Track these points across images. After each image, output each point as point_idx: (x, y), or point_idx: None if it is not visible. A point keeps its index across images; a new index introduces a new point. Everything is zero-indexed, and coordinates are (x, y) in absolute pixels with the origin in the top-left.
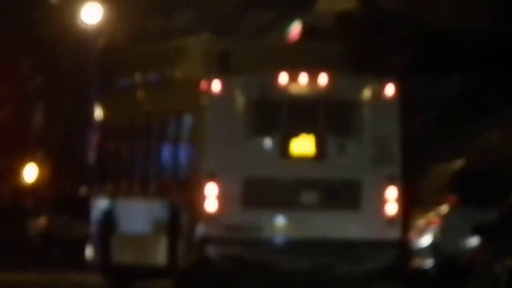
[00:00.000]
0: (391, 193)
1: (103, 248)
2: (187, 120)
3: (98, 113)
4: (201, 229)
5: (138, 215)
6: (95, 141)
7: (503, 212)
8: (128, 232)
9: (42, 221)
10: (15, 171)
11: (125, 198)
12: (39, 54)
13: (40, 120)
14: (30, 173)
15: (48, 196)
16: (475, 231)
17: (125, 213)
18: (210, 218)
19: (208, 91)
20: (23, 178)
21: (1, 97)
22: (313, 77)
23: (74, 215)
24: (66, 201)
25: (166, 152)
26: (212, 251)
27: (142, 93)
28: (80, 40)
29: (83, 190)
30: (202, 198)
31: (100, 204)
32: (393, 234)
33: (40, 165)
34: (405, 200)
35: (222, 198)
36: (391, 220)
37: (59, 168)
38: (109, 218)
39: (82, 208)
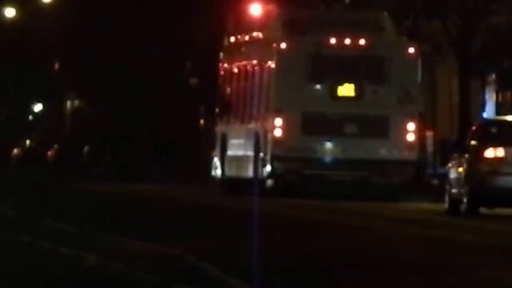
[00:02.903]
0: (411, 125)
1: (221, 164)
2: (266, 70)
3: (220, 63)
4: (271, 150)
5: (239, 140)
6: (218, 85)
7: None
8: (232, 153)
9: None
10: None
11: (233, 127)
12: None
13: None
14: None
15: None
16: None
17: (232, 138)
18: (277, 141)
19: (277, 48)
20: None
21: None
22: (355, 38)
23: None
24: None
25: (254, 93)
26: (279, 166)
27: (243, 49)
28: None
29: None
30: (272, 127)
31: (219, 131)
32: (412, 155)
33: None
34: (421, 131)
35: (286, 127)
36: (410, 145)
37: None
38: (223, 142)
39: None
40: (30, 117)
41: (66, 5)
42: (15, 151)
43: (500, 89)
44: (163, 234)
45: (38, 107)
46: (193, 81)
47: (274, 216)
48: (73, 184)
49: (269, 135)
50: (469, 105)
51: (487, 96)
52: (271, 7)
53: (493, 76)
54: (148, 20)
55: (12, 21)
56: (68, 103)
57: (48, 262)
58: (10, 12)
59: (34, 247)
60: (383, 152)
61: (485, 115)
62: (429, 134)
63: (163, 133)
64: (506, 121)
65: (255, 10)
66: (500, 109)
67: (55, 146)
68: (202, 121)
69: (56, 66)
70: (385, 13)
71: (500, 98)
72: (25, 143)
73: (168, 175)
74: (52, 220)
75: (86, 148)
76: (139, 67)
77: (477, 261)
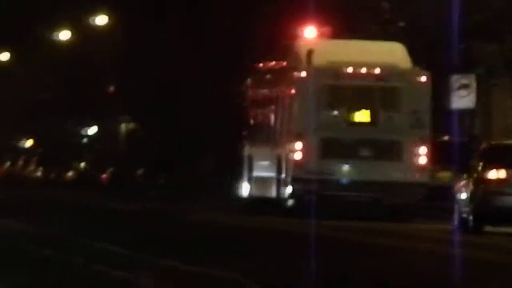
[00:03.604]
0: (423, 149)
1: (247, 185)
2: (287, 97)
3: (247, 88)
4: (291, 172)
5: (263, 162)
6: (245, 110)
7: None
8: (257, 174)
9: None
10: None
11: (258, 150)
12: None
13: None
14: None
15: None
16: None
17: (257, 160)
18: (297, 164)
19: (298, 78)
20: None
21: None
22: (370, 68)
23: None
24: None
25: (277, 118)
26: (298, 187)
27: (268, 76)
28: None
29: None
30: (292, 150)
31: (245, 154)
32: (424, 178)
33: None
34: (431, 155)
35: (305, 151)
36: (422, 168)
37: None
38: (250, 164)
39: None
40: (85, 139)
41: (121, 28)
42: (69, 173)
43: None
44: (208, 255)
45: (92, 130)
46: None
47: (307, 235)
48: (126, 206)
49: (290, 158)
50: None
51: None
52: (325, 30)
53: None
54: (199, 43)
55: (67, 43)
56: (123, 126)
57: (99, 284)
58: (64, 35)
59: (85, 269)
60: (396, 174)
61: None
62: None
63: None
64: (509, 144)
65: (310, 32)
66: None
67: (109, 168)
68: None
69: (111, 89)
70: (401, 44)
71: None
72: (79, 165)
73: (212, 197)
74: (104, 242)
75: (140, 170)
76: (192, 90)
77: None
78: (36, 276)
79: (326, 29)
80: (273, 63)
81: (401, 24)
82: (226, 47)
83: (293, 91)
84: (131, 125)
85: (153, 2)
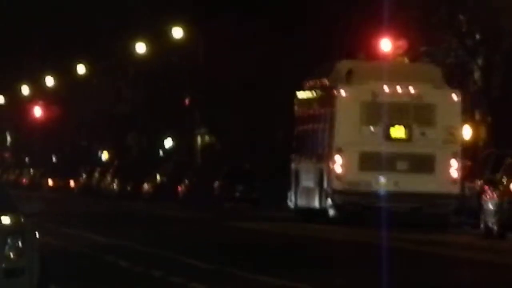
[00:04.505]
0: (454, 163)
1: (295, 196)
2: (329, 114)
3: (295, 106)
4: (333, 184)
5: (308, 174)
6: (294, 125)
7: None
8: (303, 186)
9: None
10: None
11: (304, 163)
12: None
13: None
14: None
15: None
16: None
17: (303, 173)
18: (338, 177)
19: (338, 96)
20: None
21: None
22: (405, 87)
23: None
24: None
25: (320, 135)
26: (339, 198)
27: (312, 94)
28: None
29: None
30: (333, 164)
31: (293, 167)
32: (456, 189)
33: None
34: (463, 168)
35: (345, 164)
36: (454, 181)
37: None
38: (297, 176)
39: None
40: (161, 152)
41: (197, 40)
42: (146, 186)
43: None
44: (279, 267)
45: (168, 142)
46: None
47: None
48: (204, 219)
49: (331, 171)
50: None
51: None
52: (401, 43)
53: None
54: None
55: (143, 55)
56: (199, 138)
57: None
58: (140, 47)
59: (164, 282)
60: (430, 186)
61: None
62: None
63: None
64: None
65: (385, 45)
66: None
67: (186, 181)
68: None
69: (187, 101)
70: (435, 66)
71: None
72: (156, 178)
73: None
74: (180, 254)
75: (216, 183)
76: (269, 101)
77: None
78: None
79: (402, 42)
80: (317, 81)
81: (478, 36)
82: (304, 59)
83: (334, 109)
84: (207, 138)
85: (228, 15)
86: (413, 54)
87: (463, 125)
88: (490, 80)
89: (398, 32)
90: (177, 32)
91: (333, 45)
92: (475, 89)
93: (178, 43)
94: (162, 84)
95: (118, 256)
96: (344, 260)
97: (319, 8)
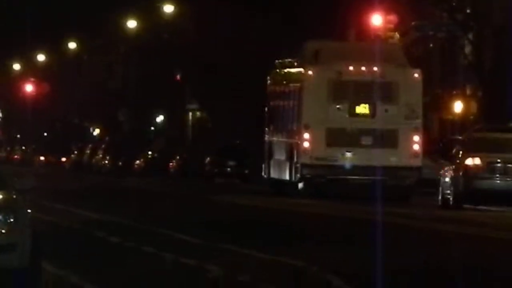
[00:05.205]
0: (416, 137)
1: (268, 168)
2: (297, 92)
3: (268, 84)
4: (301, 158)
5: (280, 149)
6: (266, 103)
7: None
8: (275, 159)
9: None
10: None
11: (275, 137)
12: None
13: None
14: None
15: None
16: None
17: (275, 147)
18: (306, 152)
19: (305, 75)
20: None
21: None
22: (369, 66)
23: None
24: None
25: (289, 112)
26: (307, 171)
27: (282, 73)
28: None
29: None
30: (301, 140)
31: (266, 140)
32: (417, 162)
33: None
34: (423, 142)
35: (313, 140)
36: (415, 154)
37: None
38: (270, 150)
39: None
40: (152, 128)
41: (188, 16)
42: (138, 162)
43: None
44: (270, 243)
45: (160, 118)
46: None
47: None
48: (195, 195)
49: (299, 146)
50: None
51: None
52: (392, 18)
53: None
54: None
55: (134, 32)
56: (190, 114)
57: (170, 272)
58: (132, 23)
59: (156, 257)
60: (393, 159)
61: None
62: None
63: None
64: (485, 134)
65: (376, 20)
66: None
67: (177, 157)
68: None
69: (178, 77)
70: (398, 45)
71: None
72: (147, 154)
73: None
74: (173, 230)
75: (208, 158)
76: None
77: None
78: (107, 264)
79: (393, 17)
80: (287, 60)
81: (469, 11)
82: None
83: (302, 86)
84: (198, 114)
85: None
86: (403, 28)
87: (423, 101)
88: (481, 55)
89: (388, 6)
90: (168, 8)
91: (326, 21)
92: (466, 63)
93: (169, 19)
94: (153, 60)
95: (110, 232)
96: (325, 235)
97: None
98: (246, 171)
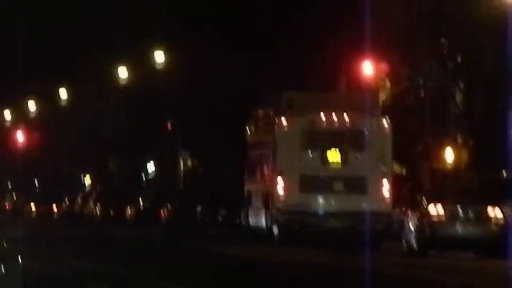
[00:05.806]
0: (386, 183)
1: (246, 217)
2: (270, 141)
3: (247, 133)
4: (276, 205)
5: (257, 196)
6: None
7: None
8: (253, 207)
9: None
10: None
11: (253, 185)
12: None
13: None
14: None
15: None
16: None
17: (253, 194)
18: (280, 198)
19: (280, 124)
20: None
21: None
22: (340, 115)
23: None
24: None
25: (265, 160)
26: (282, 217)
27: (259, 122)
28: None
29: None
30: (276, 186)
31: (246, 189)
32: (387, 208)
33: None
34: (393, 188)
35: (287, 186)
36: (385, 200)
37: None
38: (249, 198)
39: None
40: (143, 176)
41: (179, 66)
42: (129, 211)
43: None
44: None
45: (151, 167)
46: None
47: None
48: (186, 244)
49: (274, 193)
50: None
51: None
52: (383, 66)
53: None
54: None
55: (125, 81)
56: (181, 163)
57: None
58: (122, 73)
59: None
60: (364, 205)
61: None
62: None
63: None
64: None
65: (367, 69)
66: None
67: (168, 205)
68: None
69: (169, 125)
70: (368, 94)
71: None
72: (139, 202)
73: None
74: (162, 280)
75: (199, 207)
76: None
77: None
78: None
79: (384, 65)
80: (263, 110)
81: (459, 60)
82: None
83: (276, 135)
84: (190, 162)
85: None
86: (394, 77)
87: (392, 149)
88: (472, 104)
89: (379, 55)
90: (159, 56)
91: (316, 68)
92: (457, 112)
93: (159, 67)
94: (144, 108)
95: (100, 282)
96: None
97: (303, 31)
98: (238, 220)
